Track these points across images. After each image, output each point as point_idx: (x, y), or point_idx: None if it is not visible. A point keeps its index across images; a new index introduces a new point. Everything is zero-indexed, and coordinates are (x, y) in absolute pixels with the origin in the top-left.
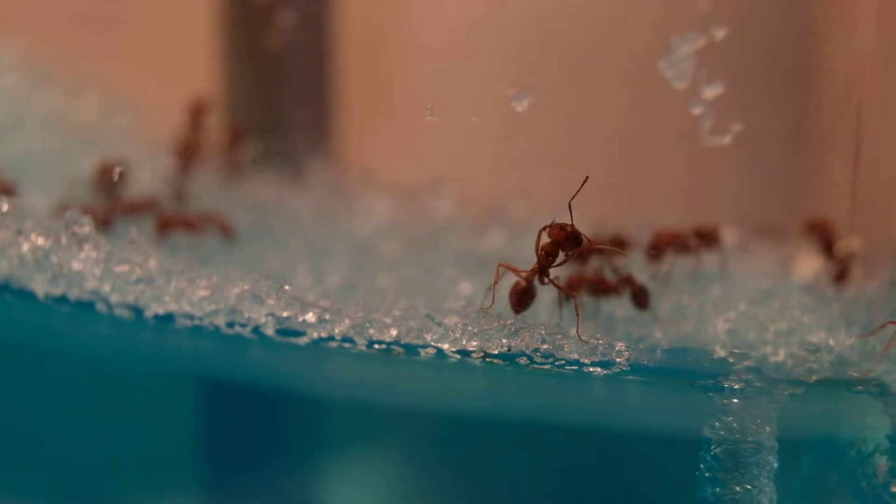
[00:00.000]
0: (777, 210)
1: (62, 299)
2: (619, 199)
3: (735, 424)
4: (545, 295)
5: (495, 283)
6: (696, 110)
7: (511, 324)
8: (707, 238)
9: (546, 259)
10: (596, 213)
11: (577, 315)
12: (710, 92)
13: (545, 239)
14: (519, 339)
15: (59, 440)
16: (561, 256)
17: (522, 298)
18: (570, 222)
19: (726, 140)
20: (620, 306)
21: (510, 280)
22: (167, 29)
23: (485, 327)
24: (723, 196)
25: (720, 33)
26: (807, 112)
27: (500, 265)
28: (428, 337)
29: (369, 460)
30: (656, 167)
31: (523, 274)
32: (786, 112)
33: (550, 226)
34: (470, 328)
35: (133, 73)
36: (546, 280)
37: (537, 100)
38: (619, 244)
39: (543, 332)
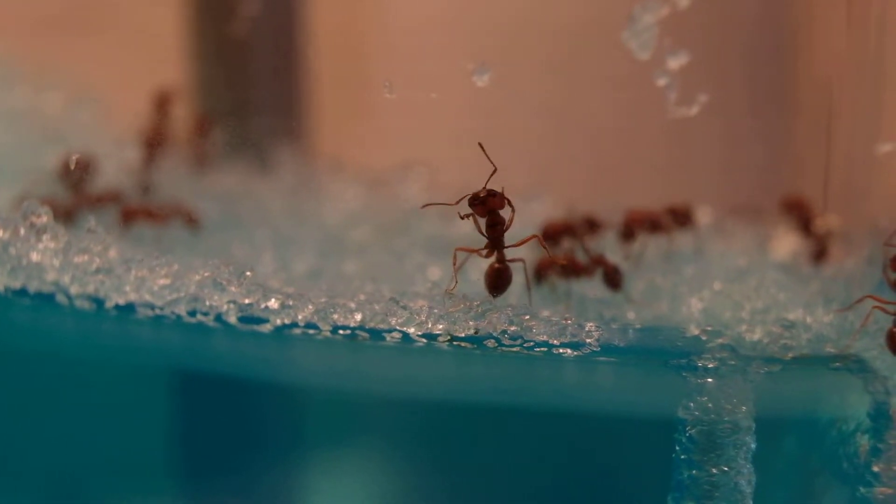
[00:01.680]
0: (753, 189)
1: (22, 292)
2: (589, 179)
3: (710, 405)
4: (515, 277)
5: (454, 265)
6: (661, 81)
7: (478, 305)
8: (680, 217)
9: (493, 231)
10: (566, 194)
11: (528, 282)
12: (675, 62)
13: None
14: (486, 321)
15: (23, 437)
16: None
17: (497, 281)
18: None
19: (693, 111)
20: (592, 287)
21: (482, 263)
22: (132, 22)
23: (450, 310)
24: (697, 175)
25: (684, 2)
26: (779, 88)
27: (457, 249)
28: (393, 321)
29: (338, 446)
30: (627, 145)
31: (483, 253)
32: (758, 88)
33: (470, 203)
34: (436, 311)
35: (99, 66)
36: (503, 251)
37: (502, 77)
38: (592, 225)
39: (511, 314)
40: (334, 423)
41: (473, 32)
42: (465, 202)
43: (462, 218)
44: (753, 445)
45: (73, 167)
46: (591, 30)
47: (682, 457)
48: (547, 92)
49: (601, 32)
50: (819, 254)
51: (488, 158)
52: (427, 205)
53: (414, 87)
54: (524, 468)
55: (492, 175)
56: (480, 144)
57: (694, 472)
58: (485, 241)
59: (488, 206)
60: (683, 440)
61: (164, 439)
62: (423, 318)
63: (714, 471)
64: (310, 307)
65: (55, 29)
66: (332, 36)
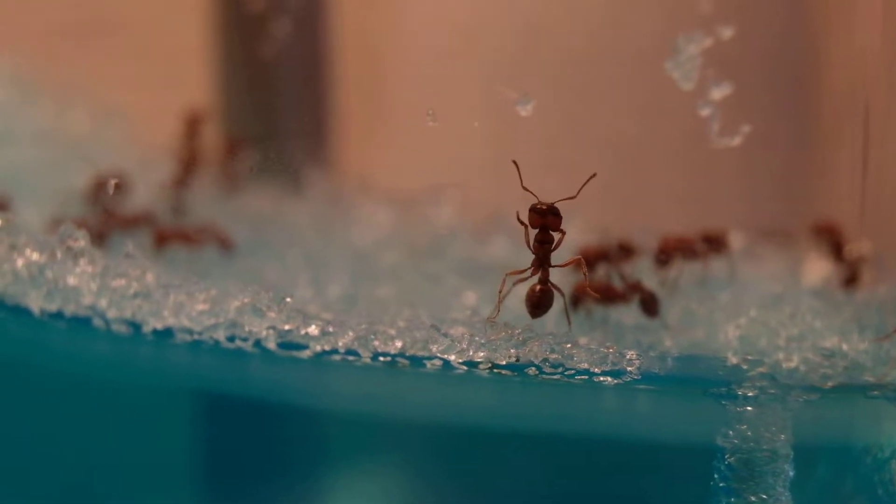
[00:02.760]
0: (783, 214)
1: (58, 315)
2: (622, 204)
3: (749, 433)
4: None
5: (501, 291)
6: (704, 111)
7: (519, 333)
8: (715, 243)
9: (540, 248)
10: (600, 219)
11: (566, 309)
12: (719, 93)
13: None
14: (527, 349)
15: (58, 461)
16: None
17: (540, 301)
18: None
19: (736, 141)
20: (628, 314)
21: (520, 289)
22: (158, 39)
23: (492, 337)
24: (727, 200)
25: (727, 33)
26: (813, 114)
27: (507, 274)
28: (434, 348)
29: (375, 475)
30: (659, 171)
31: (528, 272)
32: (791, 114)
33: (530, 208)
34: (477, 338)
35: (124, 84)
36: (547, 271)
37: (537, 104)
38: (626, 251)
39: (552, 342)
40: (374, 450)
41: (509, 60)
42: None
43: (519, 220)
44: (792, 473)
45: (111, 192)
46: (625, 58)
47: (721, 485)
48: (579, 118)
49: (636, 61)
50: (850, 279)
51: (522, 185)
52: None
53: (452, 114)
54: (564, 496)
55: (567, 199)
56: (515, 162)
57: (732, 499)
58: (527, 265)
59: (544, 221)
60: (722, 468)
61: (202, 466)
62: (465, 346)
63: (753, 499)
64: (350, 333)
65: (79, 46)
66: (362, 59)
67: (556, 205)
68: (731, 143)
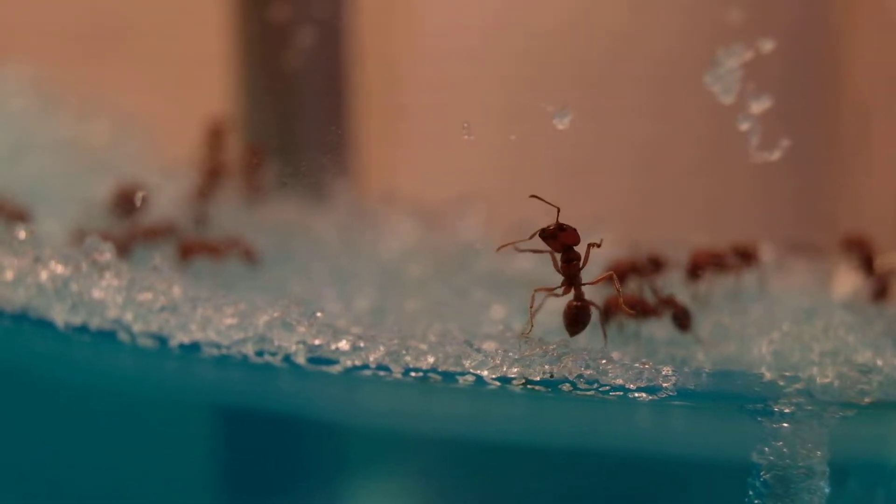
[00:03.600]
0: (812, 227)
1: (83, 329)
2: (648, 217)
3: (785, 449)
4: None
5: (532, 308)
6: (744, 125)
7: (554, 349)
8: (746, 256)
9: (568, 268)
10: (627, 233)
11: (602, 325)
12: (758, 106)
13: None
14: (562, 365)
15: (84, 476)
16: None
17: (577, 319)
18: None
19: (775, 156)
20: (660, 328)
21: (550, 304)
22: (179, 49)
23: (526, 353)
24: (757, 213)
25: (767, 46)
26: (850, 130)
27: (535, 290)
28: (467, 363)
29: (407, 492)
30: (685, 184)
31: (559, 291)
32: (821, 127)
33: (542, 237)
34: (511, 354)
35: (144, 95)
36: (580, 288)
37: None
38: (656, 264)
39: (587, 357)
40: (405, 467)
41: (533, 67)
42: (537, 238)
43: (529, 251)
44: (827, 490)
45: (139, 204)
46: (654, 70)
47: (756, 502)
48: (604, 130)
49: (665, 73)
50: (881, 293)
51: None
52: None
53: (480, 125)
54: None
55: (558, 214)
56: (536, 196)
57: None
58: (555, 278)
59: (561, 241)
60: (757, 485)
61: (229, 482)
62: (498, 362)
63: None
64: (381, 348)
65: (99, 55)
66: (384, 67)
67: (560, 224)
68: (770, 157)
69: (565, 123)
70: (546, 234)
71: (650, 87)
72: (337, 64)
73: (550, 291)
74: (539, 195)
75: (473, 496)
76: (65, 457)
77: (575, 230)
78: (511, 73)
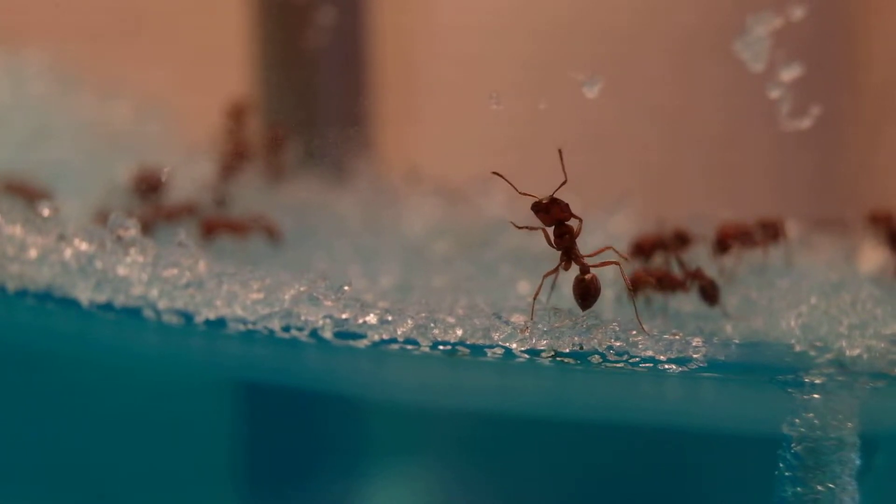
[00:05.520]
0: (837, 201)
1: (107, 306)
2: (672, 191)
3: (816, 420)
4: (607, 291)
5: (535, 296)
6: (774, 93)
7: (583, 319)
8: (772, 230)
9: (561, 242)
10: (652, 207)
11: (634, 305)
12: (788, 74)
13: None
14: (591, 337)
15: (108, 454)
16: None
17: (585, 293)
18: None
19: (805, 123)
20: (687, 302)
21: (568, 280)
22: (198, 31)
23: (555, 325)
24: (783, 187)
25: (798, 13)
26: (878, 100)
27: (544, 276)
28: (495, 336)
29: (435, 465)
30: (710, 159)
31: (563, 266)
32: (857, 100)
33: (533, 209)
34: (540, 326)
35: (165, 75)
36: (580, 259)
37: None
38: (682, 239)
39: (617, 329)
40: (433, 440)
41: (565, 39)
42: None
43: (518, 228)
44: (858, 461)
45: (164, 180)
46: (684, 39)
47: (787, 474)
48: (626, 103)
49: (695, 43)
50: None
51: (563, 169)
52: (495, 173)
53: (519, 97)
54: (628, 484)
55: (561, 185)
56: (560, 151)
57: (798, 488)
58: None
59: (553, 216)
60: (788, 457)
61: (256, 458)
62: (527, 334)
63: (819, 488)
64: (409, 322)
65: (119, 35)
66: (404, 42)
67: (548, 198)
68: (800, 125)
69: (595, 92)
70: (538, 208)
71: (675, 58)
72: (357, 41)
73: (555, 271)
74: (563, 157)
75: (503, 470)
76: (90, 435)
77: (567, 205)
78: (534, 46)
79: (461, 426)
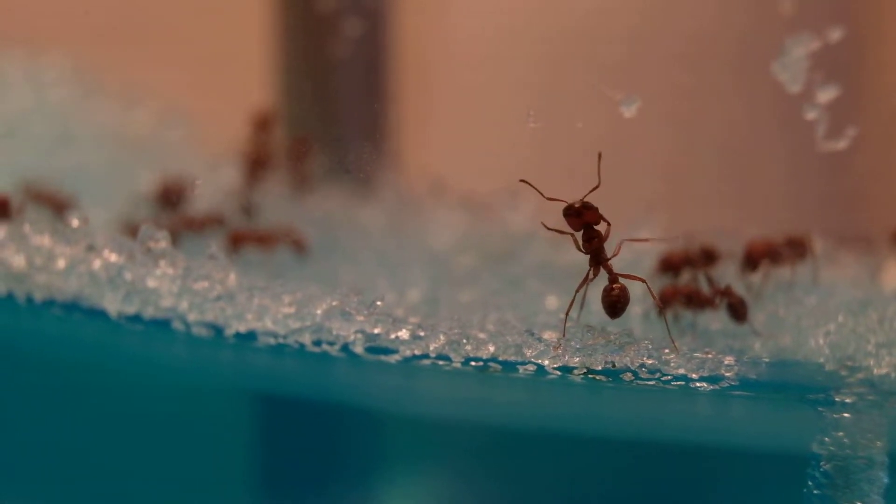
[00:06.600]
0: (862, 219)
1: (136, 318)
2: (699, 208)
3: (846, 440)
4: (635, 307)
5: (567, 313)
6: (811, 114)
7: (616, 337)
8: (799, 248)
9: (590, 246)
10: (677, 223)
11: (665, 323)
12: (825, 95)
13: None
14: (623, 354)
15: (136, 466)
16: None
17: (615, 303)
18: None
19: (841, 145)
20: (715, 319)
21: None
22: (221, 39)
23: (588, 342)
24: (804, 205)
25: (835, 35)
26: (884, 117)
27: (576, 291)
28: (528, 353)
29: (466, 481)
30: (736, 176)
31: (591, 274)
32: (871, 117)
33: (564, 213)
34: (573, 343)
35: (187, 84)
36: (608, 264)
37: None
38: (710, 256)
39: (650, 347)
40: (464, 455)
41: (605, 60)
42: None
43: (548, 229)
44: (886, 480)
45: (192, 191)
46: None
47: (815, 492)
48: (643, 121)
49: (719, 65)
50: None
51: (598, 173)
52: (523, 180)
53: (553, 116)
54: (658, 501)
55: (593, 189)
56: (599, 155)
57: None
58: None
59: (584, 220)
60: (817, 475)
61: (286, 472)
62: (560, 351)
63: None
64: (441, 338)
65: (141, 43)
66: (431, 55)
67: (579, 202)
68: (836, 146)
69: (633, 111)
70: (570, 212)
71: (693, 65)
72: (381, 53)
73: (584, 283)
74: (601, 162)
75: (534, 486)
76: (118, 447)
77: (597, 209)
78: (559, 59)
79: (493, 443)
